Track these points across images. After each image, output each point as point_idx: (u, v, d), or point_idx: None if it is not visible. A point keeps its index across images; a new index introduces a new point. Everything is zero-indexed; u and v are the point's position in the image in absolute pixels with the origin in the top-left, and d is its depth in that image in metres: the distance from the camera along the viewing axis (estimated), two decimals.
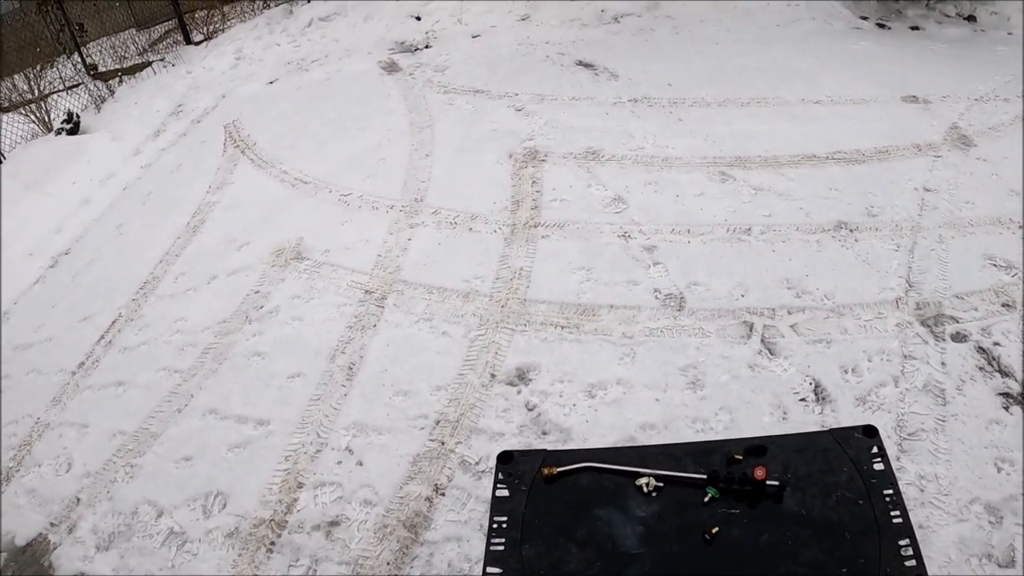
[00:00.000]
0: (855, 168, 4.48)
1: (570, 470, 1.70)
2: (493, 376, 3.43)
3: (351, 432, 3.30)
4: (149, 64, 8.78)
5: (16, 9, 9.99)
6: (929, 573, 1.45)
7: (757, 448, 1.67)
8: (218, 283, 4.53)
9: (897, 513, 1.50)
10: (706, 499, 1.58)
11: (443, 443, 3.16)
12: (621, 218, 4.29)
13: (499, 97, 6.01)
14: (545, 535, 1.58)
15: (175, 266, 4.87)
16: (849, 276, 3.66)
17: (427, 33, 7.76)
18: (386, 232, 4.56)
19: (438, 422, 3.26)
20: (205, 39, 9.15)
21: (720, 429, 3.00)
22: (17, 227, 6.03)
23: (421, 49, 7.46)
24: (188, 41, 9.19)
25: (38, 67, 8.48)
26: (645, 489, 1.62)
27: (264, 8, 9.43)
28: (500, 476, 1.72)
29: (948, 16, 6.81)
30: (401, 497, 2.98)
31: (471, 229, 4.44)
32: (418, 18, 8.04)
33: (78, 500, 3.35)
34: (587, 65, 6.40)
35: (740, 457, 1.66)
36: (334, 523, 2.95)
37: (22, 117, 7.73)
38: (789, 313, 3.49)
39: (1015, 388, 2.99)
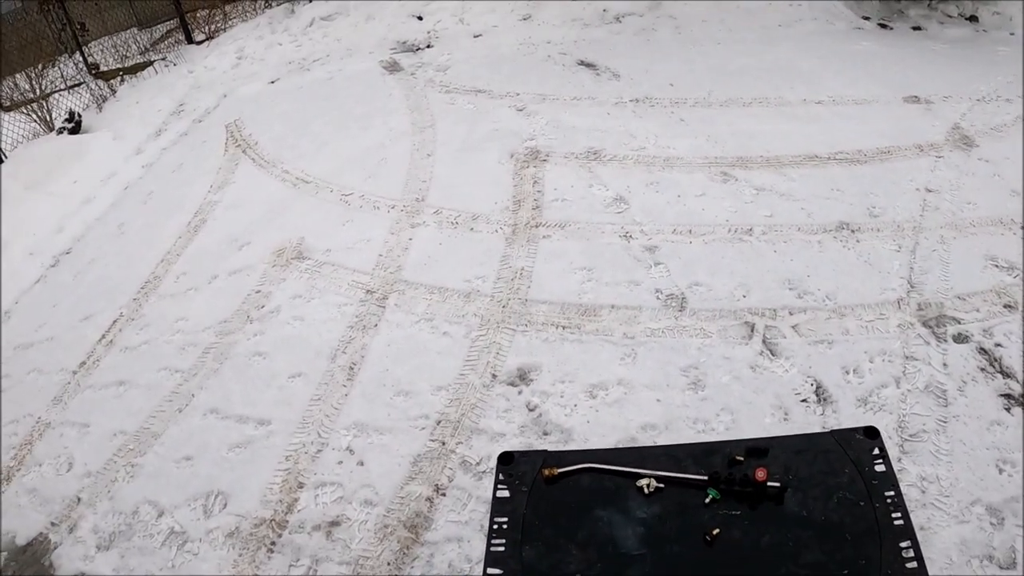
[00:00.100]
0: (857, 168, 4.47)
1: (571, 471, 1.70)
2: (494, 376, 3.43)
3: (352, 432, 3.30)
4: (151, 63, 8.79)
5: (18, 8, 10.00)
6: (930, 575, 1.45)
7: (758, 449, 1.67)
8: (219, 283, 4.53)
9: (898, 515, 1.50)
10: (707, 500, 1.58)
11: (444, 443, 3.16)
12: (622, 218, 4.28)
13: (501, 97, 6.01)
14: (546, 536, 1.58)
15: (176, 265, 4.87)
16: (851, 277, 3.65)
17: (429, 33, 7.76)
18: (387, 232, 4.56)
19: (439, 422, 3.26)
20: (207, 38, 9.15)
21: (721, 430, 2.99)
22: (18, 226, 6.03)
23: (423, 49, 7.46)
24: (190, 40, 9.20)
25: (39, 66, 8.49)
26: (646, 490, 1.62)
27: (266, 7, 9.43)
28: (501, 477, 1.71)
29: (950, 16, 6.80)
30: (402, 497, 2.98)
31: (472, 229, 4.43)
32: (420, 18, 8.04)
33: (79, 499, 3.35)
34: (589, 65, 6.40)
35: (741, 458, 1.66)
36: (335, 523, 2.95)
37: (24, 116, 7.73)
38: (791, 314, 3.49)
39: (1016, 389, 2.99)
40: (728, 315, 3.53)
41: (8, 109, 7.99)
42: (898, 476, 1.76)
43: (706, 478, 1.61)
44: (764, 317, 3.49)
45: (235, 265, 4.64)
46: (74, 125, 7.49)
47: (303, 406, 3.48)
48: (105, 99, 8.24)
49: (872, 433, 1.67)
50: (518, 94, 5.98)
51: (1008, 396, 2.97)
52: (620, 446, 2.91)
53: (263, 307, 4.19)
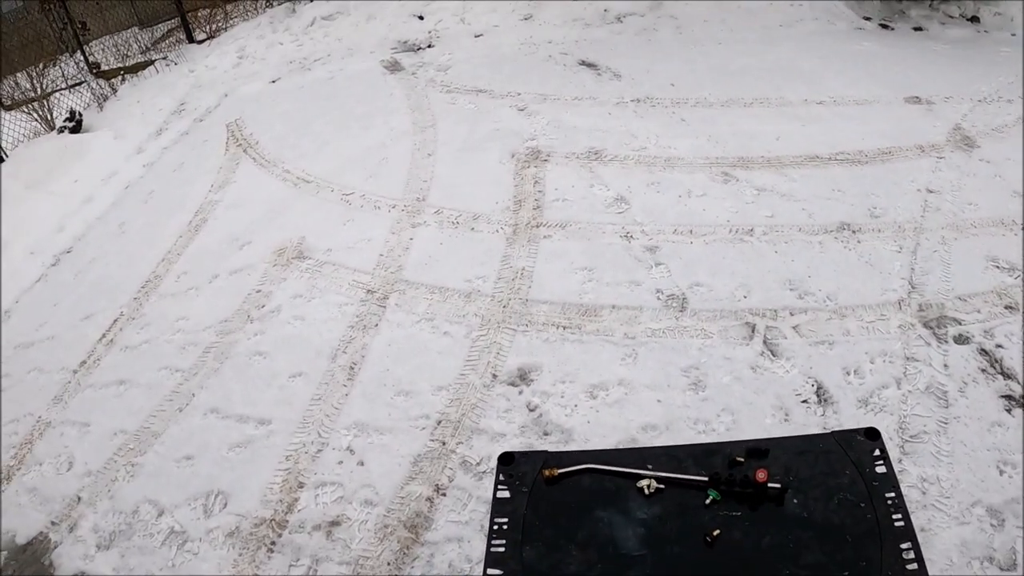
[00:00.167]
0: (858, 169, 4.47)
1: (571, 471, 1.69)
2: (495, 376, 3.43)
3: (352, 432, 3.30)
4: (152, 63, 8.79)
5: (19, 7, 10.01)
6: None
7: (759, 450, 1.67)
8: (220, 282, 4.53)
9: (899, 516, 1.50)
10: (707, 501, 1.58)
11: (444, 443, 3.16)
12: (623, 218, 4.28)
13: (502, 97, 6.01)
14: (546, 537, 1.58)
15: (177, 265, 4.87)
16: (852, 277, 3.65)
17: (430, 32, 7.76)
18: (388, 231, 4.56)
19: (439, 422, 3.26)
20: (208, 38, 9.16)
21: (722, 430, 2.99)
22: (19, 225, 6.03)
23: (424, 48, 7.46)
24: (191, 40, 9.20)
25: (40, 65, 8.50)
26: (646, 491, 1.62)
27: (267, 7, 9.43)
28: (501, 477, 1.71)
29: (951, 17, 6.79)
30: (402, 497, 2.98)
31: (473, 229, 4.43)
32: (421, 17, 8.04)
33: (79, 499, 3.35)
34: (590, 65, 6.40)
35: (742, 459, 1.66)
36: (335, 523, 2.95)
37: (24, 115, 7.74)
38: (791, 314, 3.49)
39: (1017, 390, 2.99)
40: (729, 315, 3.53)
41: (9, 108, 8.00)
42: (899, 477, 1.76)
43: (707, 479, 1.61)
44: (765, 318, 3.49)
45: (236, 264, 4.64)
46: (75, 124, 7.49)
47: (303, 406, 3.48)
48: (106, 98, 8.25)
49: (873, 434, 1.67)
50: (519, 94, 5.98)
51: (1009, 397, 2.96)
52: (620, 447, 2.91)
53: (264, 306, 4.19)
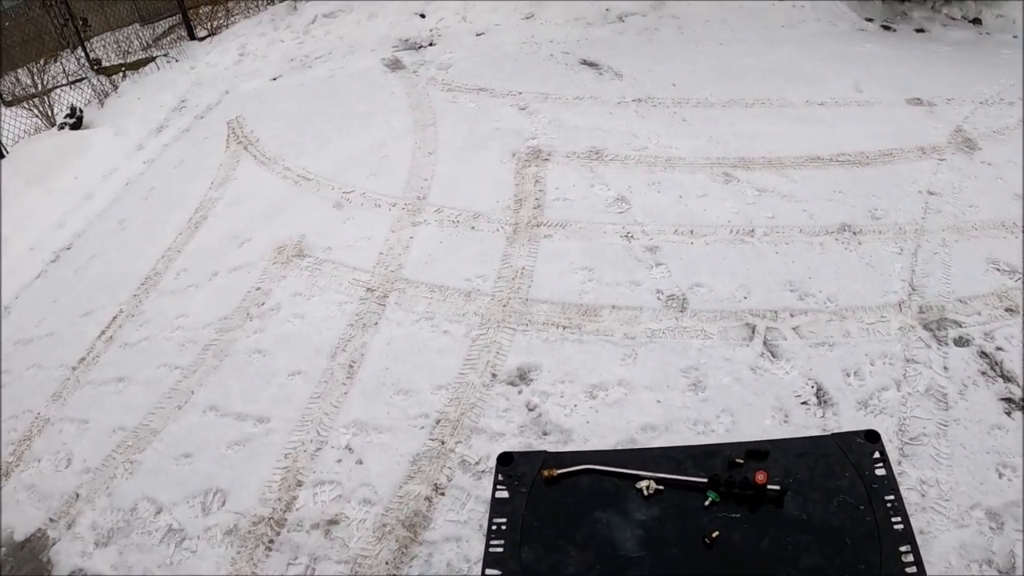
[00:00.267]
0: (859, 170, 4.47)
1: (570, 472, 1.69)
2: (494, 376, 3.42)
3: (351, 430, 3.30)
4: (153, 59, 8.78)
5: (20, 3, 10.00)
6: None
7: (758, 452, 1.67)
8: (219, 279, 4.53)
9: (898, 519, 1.50)
10: (706, 503, 1.58)
11: (443, 443, 3.16)
12: (624, 218, 4.28)
13: (503, 95, 6.01)
14: (544, 537, 1.58)
15: (177, 262, 4.87)
16: (852, 279, 3.65)
17: (431, 31, 7.75)
18: (388, 230, 4.55)
19: (438, 421, 3.26)
20: (209, 35, 9.15)
21: (721, 431, 2.99)
22: (19, 222, 6.03)
23: (425, 47, 7.45)
24: (192, 37, 9.19)
25: (41, 61, 8.49)
26: (645, 492, 1.62)
27: (268, 4, 9.43)
28: (500, 477, 1.71)
29: (953, 19, 6.79)
30: (400, 496, 2.98)
31: (473, 228, 4.43)
32: (422, 16, 8.03)
33: (77, 496, 3.35)
34: (591, 64, 6.39)
35: (741, 461, 1.65)
36: (333, 522, 2.95)
37: (25, 111, 7.74)
38: (792, 315, 3.48)
39: (1017, 393, 2.98)
40: (729, 316, 3.52)
41: (10, 104, 7.99)
42: (898, 480, 1.75)
43: (706, 480, 1.60)
44: (765, 319, 3.48)
45: (236, 262, 4.63)
46: (76, 120, 7.49)
47: (302, 404, 3.48)
48: (107, 95, 8.24)
49: (873, 437, 1.67)
50: (520, 93, 5.98)
51: (1009, 400, 2.96)
52: (620, 447, 2.91)
53: (263, 304, 4.18)
